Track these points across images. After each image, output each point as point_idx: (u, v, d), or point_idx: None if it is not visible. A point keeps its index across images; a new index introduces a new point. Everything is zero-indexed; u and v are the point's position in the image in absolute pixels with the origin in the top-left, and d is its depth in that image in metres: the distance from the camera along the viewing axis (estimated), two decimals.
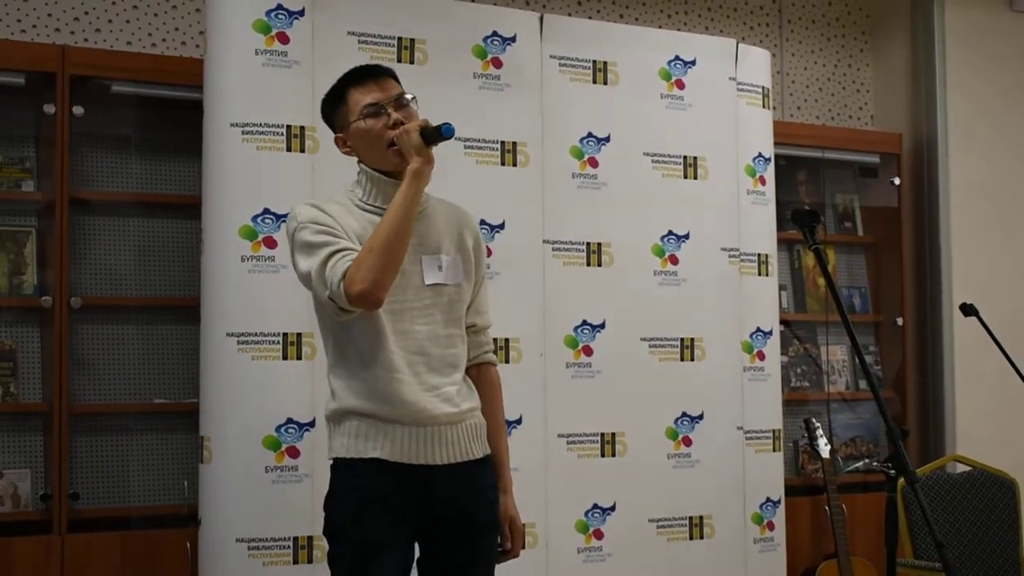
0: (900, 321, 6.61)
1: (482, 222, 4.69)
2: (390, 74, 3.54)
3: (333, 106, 3.55)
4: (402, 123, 3.41)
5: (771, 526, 5.30)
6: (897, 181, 6.66)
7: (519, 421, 4.72)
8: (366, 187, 3.49)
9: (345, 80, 3.53)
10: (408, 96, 3.50)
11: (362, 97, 3.46)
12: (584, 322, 4.92)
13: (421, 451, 3.38)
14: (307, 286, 3.38)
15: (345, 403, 3.39)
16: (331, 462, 3.46)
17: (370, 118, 3.43)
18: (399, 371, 3.36)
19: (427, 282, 3.45)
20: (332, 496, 3.44)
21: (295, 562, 4.29)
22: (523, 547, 3.65)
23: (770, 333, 5.38)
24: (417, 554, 3.50)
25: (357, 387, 3.38)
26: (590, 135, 4.99)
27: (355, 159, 3.54)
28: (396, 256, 3.26)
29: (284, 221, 4.27)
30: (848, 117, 7.01)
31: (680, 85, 5.19)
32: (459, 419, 3.44)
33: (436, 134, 3.34)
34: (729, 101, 5.32)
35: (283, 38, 4.44)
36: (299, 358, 4.34)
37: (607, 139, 5.02)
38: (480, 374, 3.62)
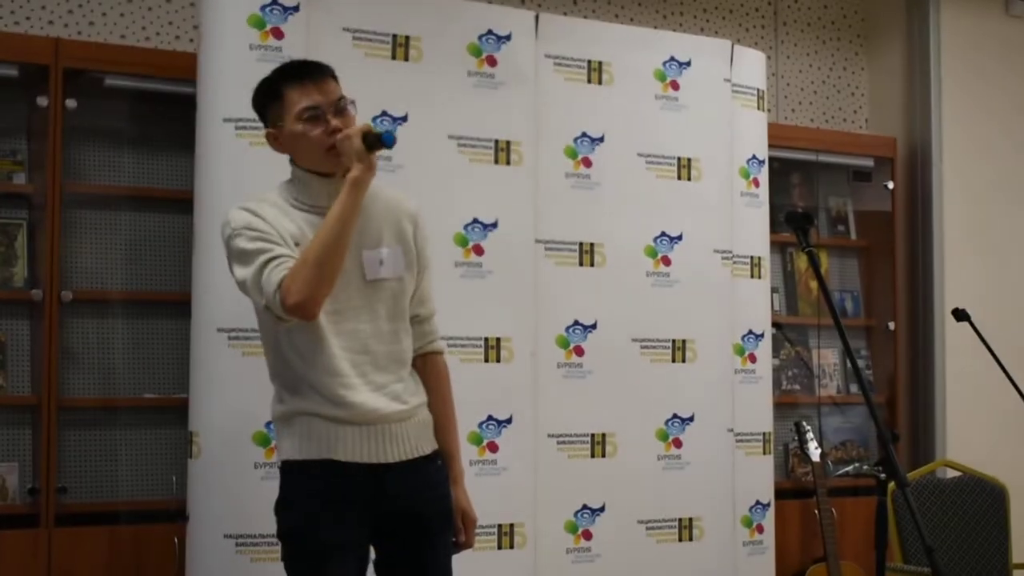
0: (892, 325, 6.60)
1: (475, 220, 4.68)
2: (330, 74, 3.44)
3: (266, 100, 3.45)
4: (340, 130, 3.32)
5: (760, 529, 5.30)
6: (891, 185, 6.65)
7: (509, 420, 4.71)
8: (298, 186, 3.43)
9: (281, 76, 3.43)
10: (348, 100, 3.40)
11: (299, 99, 3.36)
12: (576, 322, 4.91)
13: (373, 450, 3.35)
14: (245, 294, 3.33)
15: (293, 405, 3.36)
16: (280, 464, 3.43)
17: (307, 123, 3.35)
18: (344, 375, 3.33)
19: (368, 278, 3.39)
20: (284, 499, 3.41)
21: (282, 558, 4.26)
22: (475, 537, 3.62)
23: (762, 336, 5.38)
24: (372, 555, 3.48)
25: (303, 390, 3.34)
26: (584, 135, 4.99)
27: (287, 157, 3.46)
28: (333, 268, 3.21)
29: None
30: (842, 120, 7.01)
31: (675, 86, 5.19)
32: (408, 416, 3.42)
33: (377, 142, 3.26)
34: (724, 103, 5.32)
35: (277, 33, 4.43)
36: None
37: (601, 139, 5.01)
38: (426, 364, 3.57)
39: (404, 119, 4.56)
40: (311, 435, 3.34)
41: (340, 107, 3.38)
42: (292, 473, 3.39)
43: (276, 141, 3.45)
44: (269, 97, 3.43)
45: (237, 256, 3.30)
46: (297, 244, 3.29)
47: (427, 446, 3.47)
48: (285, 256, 3.24)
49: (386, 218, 3.46)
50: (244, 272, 3.27)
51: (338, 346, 3.33)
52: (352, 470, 3.33)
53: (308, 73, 3.41)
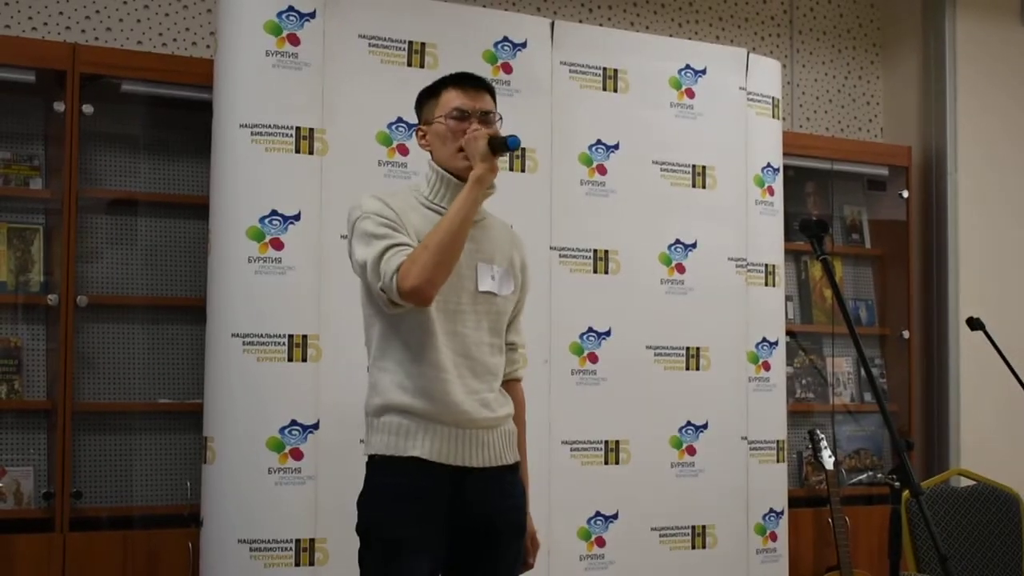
0: (906, 334, 6.59)
1: None
2: (489, 91, 3.60)
3: (427, 98, 3.62)
4: None
5: (774, 537, 5.29)
6: (905, 194, 6.65)
7: None
8: (434, 185, 3.53)
9: (448, 78, 3.60)
10: (497, 115, 3.56)
11: (453, 100, 3.53)
12: (590, 329, 4.92)
13: (459, 452, 3.41)
14: (360, 276, 3.43)
15: (388, 398, 3.41)
16: (367, 458, 3.49)
17: (454, 120, 3.50)
18: (447, 371, 3.40)
19: (480, 289, 3.49)
20: (367, 493, 3.46)
21: (296, 564, 4.28)
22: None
23: (776, 343, 5.37)
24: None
25: (402, 382, 3.41)
26: (599, 142, 4.99)
27: (427, 156, 3.59)
28: (451, 256, 3.32)
29: (292, 223, 4.33)
30: (857, 129, 7.00)
31: (690, 94, 5.19)
32: (496, 424, 3.49)
33: (502, 144, 3.40)
34: (739, 111, 5.31)
35: (294, 40, 4.44)
36: (304, 360, 4.34)
37: (616, 146, 5.02)
38: (508, 390, 3.64)
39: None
40: (399, 431, 3.40)
41: (486, 118, 3.53)
42: (377, 468, 3.45)
43: (423, 137, 3.60)
44: (430, 94, 3.61)
45: (361, 237, 3.40)
46: (419, 240, 3.38)
47: (510, 456, 3.54)
48: (407, 245, 3.35)
49: (501, 240, 3.62)
50: (366, 253, 3.36)
51: (444, 343, 3.41)
52: (435, 470, 3.38)
53: (469, 81, 3.59)
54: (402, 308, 3.34)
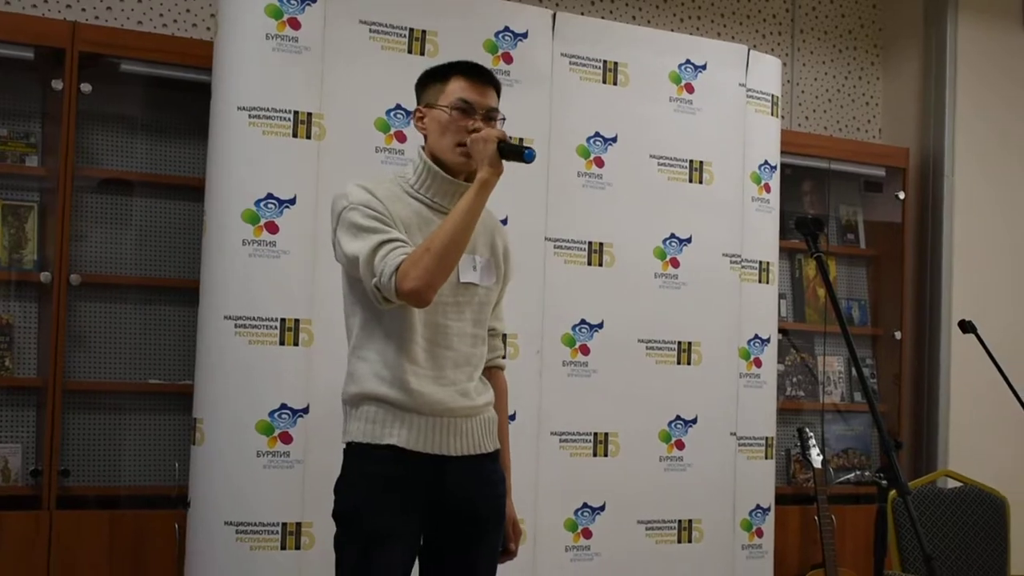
0: (898, 335, 6.60)
1: None
2: (496, 87, 3.56)
3: (431, 80, 3.57)
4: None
5: (760, 533, 5.30)
6: (902, 195, 6.65)
7: (512, 417, 4.69)
8: (421, 175, 3.50)
9: (457, 65, 3.55)
10: (501, 115, 3.53)
11: (461, 90, 3.48)
12: (582, 321, 4.92)
13: (436, 441, 3.40)
14: (347, 267, 3.42)
15: (365, 387, 3.41)
16: (344, 446, 3.48)
17: (458, 111, 3.46)
18: (420, 364, 3.40)
19: (462, 280, 3.47)
20: (344, 480, 3.46)
21: (283, 548, 4.28)
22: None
23: (768, 341, 5.38)
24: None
25: (380, 372, 3.40)
26: (597, 135, 4.99)
27: (420, 140, 3.56)
28: (452, 260, 3.30)
29: (287, 207, 4.32)
30: (856, 129, 7.01)
31: (689, 89, 5.19)
32: (474, 412, 3.48)
33: (515, 153, 3.34)
34: (738, 107, 5.32)
35: (294, 24, 4.44)
36: (296, 344, 4.34)
37: (614, 139, 5.02)
38: (490, 377, 3.64)
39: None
40: (377, 419, 3.40)
41: (490, 115, 3.50)
42: (354, 455, 3.45)
43: (420, 120, 3.56)
44: (436, 78, 3.56)
45: (349, 228, 3.37)
46: (406, 231, 3.37)
47: (490, 444, 3.54)
48: (401, 241, 3.32)
49: (483, 231, 3.56)
50: (357, 246, 3.33)
51: (423, 336, 3.40)
52: (413, 459, 3.38)
53: (479, 74, 3.54)
54: (393, 305, 3.32)
